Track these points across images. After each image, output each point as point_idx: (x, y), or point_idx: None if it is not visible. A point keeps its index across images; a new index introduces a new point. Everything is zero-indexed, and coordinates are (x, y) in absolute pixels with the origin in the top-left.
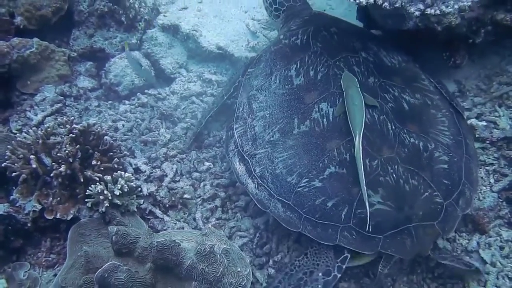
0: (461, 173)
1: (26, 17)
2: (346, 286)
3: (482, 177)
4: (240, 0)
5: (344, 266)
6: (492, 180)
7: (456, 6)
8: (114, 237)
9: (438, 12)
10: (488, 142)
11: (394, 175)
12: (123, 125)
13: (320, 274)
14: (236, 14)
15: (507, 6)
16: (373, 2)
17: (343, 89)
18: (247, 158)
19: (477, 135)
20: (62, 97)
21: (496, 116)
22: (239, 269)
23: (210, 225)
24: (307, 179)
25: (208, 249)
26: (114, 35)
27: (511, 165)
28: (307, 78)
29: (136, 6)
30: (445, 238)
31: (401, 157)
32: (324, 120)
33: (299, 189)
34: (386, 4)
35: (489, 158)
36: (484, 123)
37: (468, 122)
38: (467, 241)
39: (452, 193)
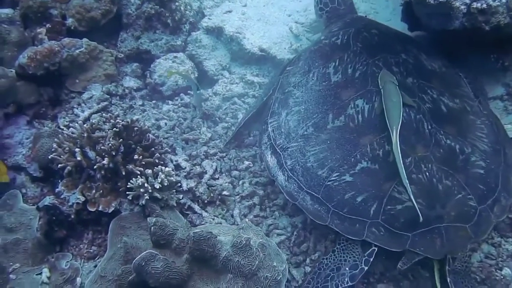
0: (497, 180)
1: (77, 19)
2: (384, 287)
3: None
4: (284, 4)
5: (371, 259)
6: None
7: (503, 0)
8: (152, 227)
9: (484, 6)
10: None
11: (427, 174)
12: (166, 124)
13: (347, 268)
14: (279, 18)
15: None
16: None
17: (380, 87)
18: (279, 151)
19: None
20: (108, 96)
21: None
22: (275, 263)
23: (247, 219)
24: (338, 173)
25: (244, 242)
26: (160, 37)
27: None
28: (345, 75)
29: (182, 8)
30: (490, 243)
31: (435, 156)
32: (359, 116)
33: (329, 183)
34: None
35: None
36: None
37: None
38: None
39: (487, 199)
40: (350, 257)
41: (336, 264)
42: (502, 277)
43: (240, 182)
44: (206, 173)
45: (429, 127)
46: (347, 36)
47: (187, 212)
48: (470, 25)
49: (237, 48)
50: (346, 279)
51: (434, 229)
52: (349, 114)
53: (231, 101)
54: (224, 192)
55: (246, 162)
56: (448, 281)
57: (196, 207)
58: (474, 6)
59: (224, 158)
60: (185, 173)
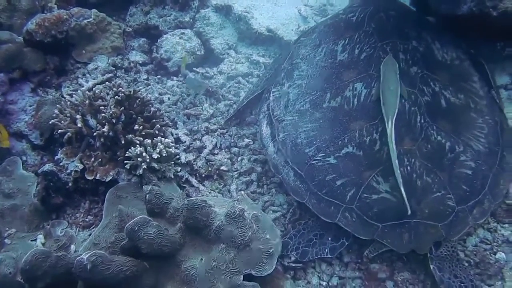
0: (485, 182)
1: None
2: (377, 268)
3: None
4: None
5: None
6: None
7: None
8: (148, 195)
9: None
10: None
11: (408, 168)
12: (169, 98)
13: (330, 238)
14: (289, 0)
15: None
16: None
17: (381, 73)
18: (275, 122)
19: None
20: (114, 68)
21: None
22: (267, 236)
23: (242, 192)
24: (324, 154)
25: (237, 212)
26: (169, 13)
27: None
28: (351, 55)
29: None
30: (486, 228)
31: (421, 151)
32: (355, 99)
33: (313, 162)
34: None
35: None
36: None
37: None
38: (509, 232)
39: (469, 200)
40: (334, 227)
41: (320, 229)
42: (495, 261)
43: (239, 159)
44: (205, 148)
45: (422, 120)
46: (363, 14)
47: (184, 185)
48: (478, 10)
49: (245, 27)
50: (326, 250)
51: (405, 223)
52: (346, 96)
53: (236, 80)
54: (222, 167)
55: (246, 140)
56: (432, 268)
57: (194, 181)
58: None
59: (225, 135)
60: (184, 147)
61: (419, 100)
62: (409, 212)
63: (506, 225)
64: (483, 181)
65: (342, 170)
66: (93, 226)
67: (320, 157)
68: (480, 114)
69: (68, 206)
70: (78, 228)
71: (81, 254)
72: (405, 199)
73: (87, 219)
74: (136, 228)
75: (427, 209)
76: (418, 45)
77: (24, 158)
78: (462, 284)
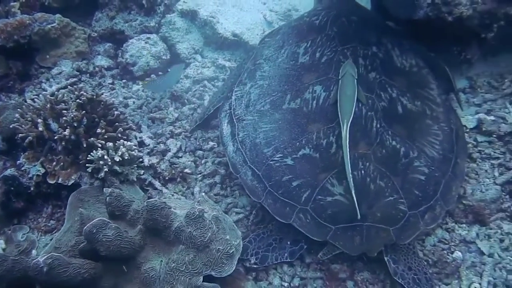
0: (438, 188)
1: None
2: (338, 268)
3: (486, 170)
4: None
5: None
6: (496, 174)
7: None
8: (108, 198)
9: None
10: (495, 136)
11: (362, 172)
12: (134, 102)
13: (289, 242)
14: (254, 5)
15: None
16: None
17: (340, 77)
18: (235, 122)
19: (483, 129)
20: (78, 73)
21: (506, 112)
22: (228, 237)
23: (203, 194)
24: (281, 155)
25: (197, 213)
26: (135, 18)
27: None
28: (312, 58)
29: None
30: (444, 228)
31: (376, 156)
32: (314, 102)
33: (271, 162)
34: None
35: (495, 152)
36: (492, 117)
37: (476, 116)
38: (466, 231)
39: (421, 205)
40: (293, 231)
41: (279, 234)
42: (452, 260)
43: (203, 161)
44: (169, 151)
45: (378, 125)
46: (326, 18)
47: (147, 188)
48: (434, 16)
49: (211, 32)
50: (286, 254)
51: (356, 226)
52: (305, 98)
53: (201, 84)
54: (186, 170)
55: (211, 143)
56: (386, 260)
57: (157, 183)
58: None
59: (190, 138)
60: (148, 150)
61: (376, 105)
62: (359, 217)
63: (464, 225)
64: (435, 187)
65: (299, 172)
66: (55, 231)
67: (277, 157)
68: (436, 121)
69: (30, 211)
70: (40, 233)
71: (37, 257)
72: (355, 203)
73: (49, 224)
74: (95, 231)
75: (379, 212)
76: (378, 51)
77: None
78: (415, 277)
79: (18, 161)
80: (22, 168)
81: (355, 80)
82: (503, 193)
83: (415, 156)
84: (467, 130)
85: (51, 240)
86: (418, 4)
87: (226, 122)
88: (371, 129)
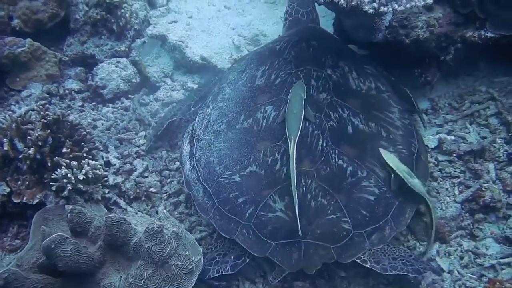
0: (389, 210)
1: (23, 20)
2: (300, 285)
3: (446, 189)
4: (229, 19)
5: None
6: (456, 192)
7: (408, 5)
8: (69, 214)
9: (390, 9)
10: (455, 155)
11: (303, 189)
12: (102, 124)
13: (232, 257)
14: (223, 30)
15: (476, 25)
16: (330, 0)
17: (289, 97)
18: (195, 141)
19: (444, 148)
20: (48, 95)
21: (466, 132)
22: (187, 253)
23: (164, 210)
24: (230, 172)
25: (156, 228)
26: (105, 42)
27: (476, 177)
28: (268, 80)
29: (127, 15)
30: (405, 246)
31: (319, 173)
32: (264, 121)
33: (220, 179)
34: (342, 2)
35: (455, 171)
36: (452, 137)
37: (437, 136)
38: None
39: (367, 225)
40: (238, 247)
41: (224, 250)
42: (413, 277)
43: (169, 181)
44: (135, 170)
45: (324, 144)
46: (287, 44)
47: (112, 207)
48: (392, 38)
49: (180, 56)
50: (227, 267)
51: (295, 242)
52: (257, 118)
53: (170, 107)
54: (151, 189)
55: (178, 163)
56: (369, 266)
57: (122, 202)
58: (381, 10)
59: (157, 158)
60: (114, 170)
61: (324, 124)
62: (300, 233)
63: (425, 243)
64: (386, 208)
65: (245, 188)
66: (19, 250)
67: (227, 175)
68: (392, 143)
69: None
70: (4, 252)
71: None
72: (298, 219)
73: (14, 243)
74: (53, 246)
75: (319, 230)
76: (333, 73)
77: None
78: (404, 261)
79: None
80: None
81: (303, 100)
82: (463, 211)
83: (363, 176)
84: (429, 149)
85: (14, 259)
86: (376, 27)
87: (187, 142)
88: (316, 148)
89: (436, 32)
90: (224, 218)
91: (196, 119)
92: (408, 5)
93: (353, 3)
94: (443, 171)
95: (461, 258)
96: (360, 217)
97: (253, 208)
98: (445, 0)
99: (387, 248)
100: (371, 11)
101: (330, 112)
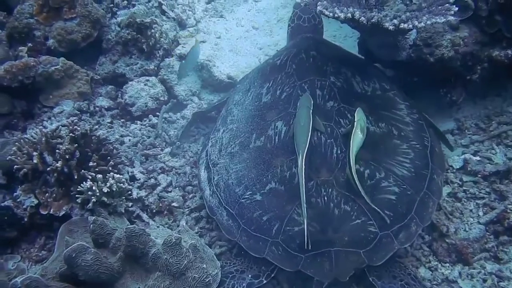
0: (412, 206)
1: (58, 40)
2: None
3: (471, 210)
4: (256, 39)
5: (272, 275)
6: (481, 213)
7: (428, 22)
8: (92, 225)
9: (410, 26)
10: (480, 176)
11: (325, 198)
12: (129, 140)
13: (250, 275)
14: (250, 50)
15: (503, 44)
16: (351, 17)
17: (297, 110)
18: (211, 166)
19: (469, 169)
20: (79, 112)
21: (492, 153)
22: (204, 265)
23: (184, 223)
24: (251, 192)
25: (174, 240)
26: (135, 61)
27: (501, 199)
28: (274, 97)
29: (157, 35)
30: (427, 267)
31: (338, 181)
32: (276, 137)
33: (242, 200)
34: (362, 19)
35: (480, 192)
36: (478, 158)
37: (462, 156)
38: (449, 271)
39: (393, 225)
40: (256, 266)
41: (242, 266)
42: None
43: (191, 196)
44: (159, 185)
45: (338, 151)
46: (286, 58)
47: (135, 220)
48: (416, 57)
49: (207, 75)
50: (244, 284)
51: (324, 252)
52: (269, 135)
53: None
54: (173, 204)
55: None
56: (371, 280)
57: (144, 216)
58: (402, 27)
59: (181, 174)
60: (138, 184)
61: (335, 132)
62: (309, 246)
63: (447, 264)
64: (409, 205)
65: (267, 206)
66: (45, 261)
67: (248, 195)
68: (405, 140)
69: (24, 241)
70: (31, 262)
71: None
72: (306, 231)
73: (40, 254)
74: (74, 255)
75: (346, 236)
76: (336, 80)
77: None
78: (402, 282)
79: (15, 193)
80: (18, 200)
81: (310, 111)
82: (487, 233)
83: (382, 177)
84: (454, 170)
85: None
86: (400, 45)
87: (203, 168)
88: (332, 156)
89: (462, 51)
90: (252, 238)
91: (209, 144)
92: (428, 22)
93: (373, 20)
94: (467, 192)
95: (484, 281)
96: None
97: (279, 224)
98: (471, 19)
99: (391, 261)
100: (391, 27)
101: (340, 119)
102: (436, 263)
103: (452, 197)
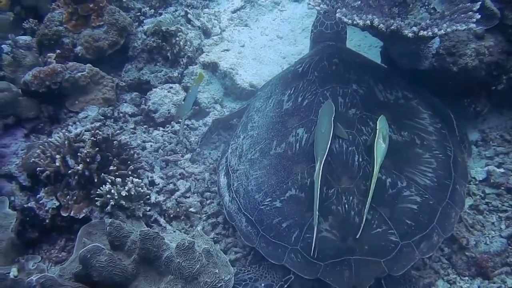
0: (434, 216)
1: (85, 47)
2: None
3: (493, 223)
4: (280, 48)
5: (286, 286)
6: (503, 226)
7: (449, 29)
8: (108, 227)
9: (430, 33)
10: (503, 188)
11: (346, 206)
12: (151, 145)
13: (263, 284)
14: (274, 59)
15: None
16: (370, 24)
17: (318, 117)
18: (230, 173)
19: (492, 181)
20: (103, 118)
21: None
22: (217, 271)
23: (198, 228)
24: (271, 198)
25: (187, 244)
26: (160, 69)
27: None
28: (295, 104)
29: (181, 43)
30: (445, 280)
31: (359, 189)
32: (297, 144)
33: (262, 207)
34: (381, 26)
35: (503, 205)
36: (502, 170)
37: (485, 168)
38: (468, 284)
39: (414, 235)
40: (269, 276)
41: (256, 275)
42: None
43: (209, 202)
44: (178, 190)
45: (360, 159)
46: (308, 65)
47: (152, 224)
48: (439, 66)
49: (230, 83)
50: None
51: (344, 261)
52: (290, 142)
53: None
54: (191, 209)
55: None
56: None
57: (162, 220)
58: (421, 34)
59: (199, 180)
60: (157, 189)
61: (357, 140)
62: (315, 255)
63: (466, 278)
64: (431, 215)
65: (287, 213)
66: (65, 262)
67: (267, 201)
68: (428, 149)
69: (45, 242)
70: (50, 263)
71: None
72: (314, 240)
73: (60, 255)
74: (89, 256)
75: (366, 245)
76: (358, 88)
77: (12, 198)
78: None
79: (38, 195)
80: (40, 202)
81: (332, 118)
82: (509, 247)
83: (403, 186)
84: (476, 182)
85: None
86: (423, 54)
87: (223, 174)
88: (353, 164)
89: (486, 61)
90: (271, 244)
91: (229, 150)
92: (449, 29)
93: (392, 27)
94: (489, 204)
95: None
96: (406, 227)
97: (298, 231)
98: (497, 28)
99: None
100: (410, 35)
101: (362, 127)
102: (455, 276)
103: (474, 209)
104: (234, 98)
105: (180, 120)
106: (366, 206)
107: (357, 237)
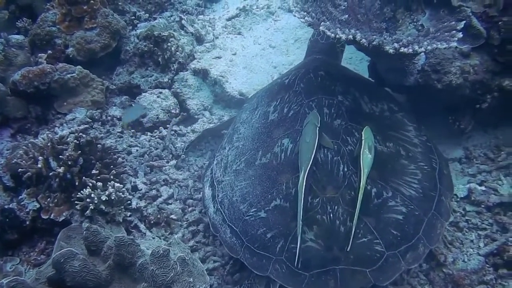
0: (419, 227)
1: (77, 49)
2: None
3: (471, 240)
4: (272, 58)
5: None
6: (482, 244)
7: (429, 47)
8: (85, 232)
9: (410, 50)
10: (483, 206)
11: (331, 215)
12: (137, 150)
13: None
14: (265, 68)
15: None
16: (352, 38)
17: (303, 127)
18: (215, 184)
19: (473, 198)
20: (91, 120)
21: (499, 184)
22: (191, 280)
23: (176, 236)
24: (255, 209)
25: (161, 252)
26: (151, 73)
27: (503, 231)
28: (281, 114)
29: (173, 49)
30: None
31: (344, 198)
32: (282, 154)
33: (246, 218)
34: (364, 41)
35: (482, 222)
36: (483, 188)
37: (467, 185)
38: None
39: (400, 245)
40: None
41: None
42: None
43: (191, 209)
44: (160, 197)
45: (345, 169)
46: (295, 77)
47: (132, 230)
48: (423, 82)
49: (220, 90)
50: None
51: (330, 270)
52: (275, 152)
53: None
54: (172, 216)
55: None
56: None
57: (142, 226)
58: (402, 51)
59: (182, 187)
60: (139, 195)
61: (342, 150)
62: (299, 266)
63: None
64: (416, 226)
65: (272, 223)
66: (42, 265)
67: (252, 212)
68: (413, 160)
69: (25, 244)
70: (29, 266)
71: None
72: (298, 250)
73: (39, 258)
74: (62, 260)
75: (352, 254)
76: (344, 99)
77: None
78: None
79: (20, 197)
80: (22, 203)
81: (317, 128)
82: (487, 265)
83: (389, 196)
84: (458, 199)
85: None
86: (408, 70)
87: (208, 186)
88: (338, 173)
89: (471, 79)
90: (255, 255)
91: (214, 162)
92: (429, 47)
93: (374, 43)
94: (469, 222)
95: None
96: (392, 237)
97: (283, 241)
98: (484, 48)
99: None
100: (391, 51)
101: (347, 137)
102: None
103: (454, 226)
104: (223, 105)
105: (168, 126)
106: (355, 217)
107: (347, 249)
